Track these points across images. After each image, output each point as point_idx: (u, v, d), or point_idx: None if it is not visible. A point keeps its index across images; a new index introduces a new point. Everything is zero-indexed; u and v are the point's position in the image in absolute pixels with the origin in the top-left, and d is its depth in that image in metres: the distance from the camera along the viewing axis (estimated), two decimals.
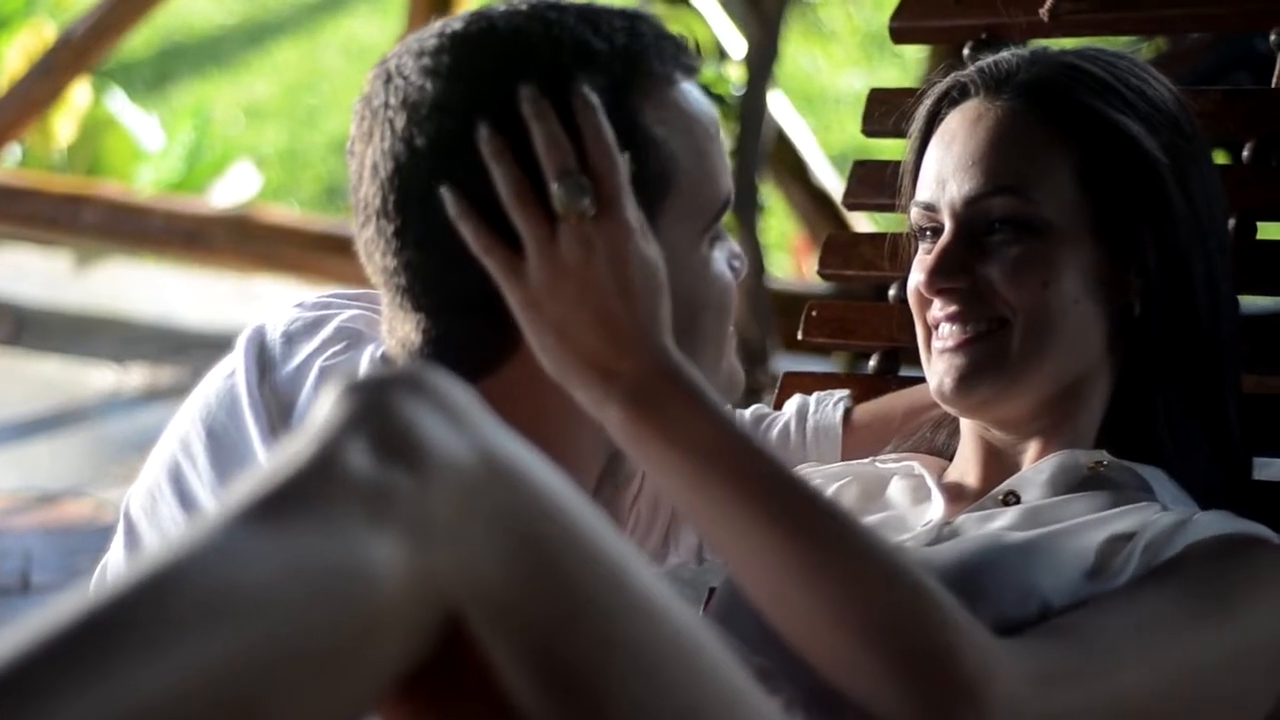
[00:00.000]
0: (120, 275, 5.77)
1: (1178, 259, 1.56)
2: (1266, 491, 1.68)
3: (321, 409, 1.13)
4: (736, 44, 4.16)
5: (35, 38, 5.94)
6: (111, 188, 5.49)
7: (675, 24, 4.06)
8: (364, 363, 1.50)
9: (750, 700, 1.22)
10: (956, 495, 1.60)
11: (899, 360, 1.90)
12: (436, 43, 1.41)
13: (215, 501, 1.45)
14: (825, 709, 1.35)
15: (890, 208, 1.74)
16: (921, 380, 1.65)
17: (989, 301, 1.55)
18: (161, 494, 1.54)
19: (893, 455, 1.68)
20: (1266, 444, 1.70)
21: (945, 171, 1.59)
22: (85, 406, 4.80)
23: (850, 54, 7.81)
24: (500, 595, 1.12)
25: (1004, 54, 1.63)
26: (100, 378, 5.02)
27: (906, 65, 6.68)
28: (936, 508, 1.56)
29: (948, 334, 1.57)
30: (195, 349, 4.95)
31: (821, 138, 5.78)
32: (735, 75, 4.04)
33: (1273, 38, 1.85)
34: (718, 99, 3.92)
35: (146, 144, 6.18)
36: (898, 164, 1.71)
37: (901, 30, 2.02)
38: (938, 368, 1.57)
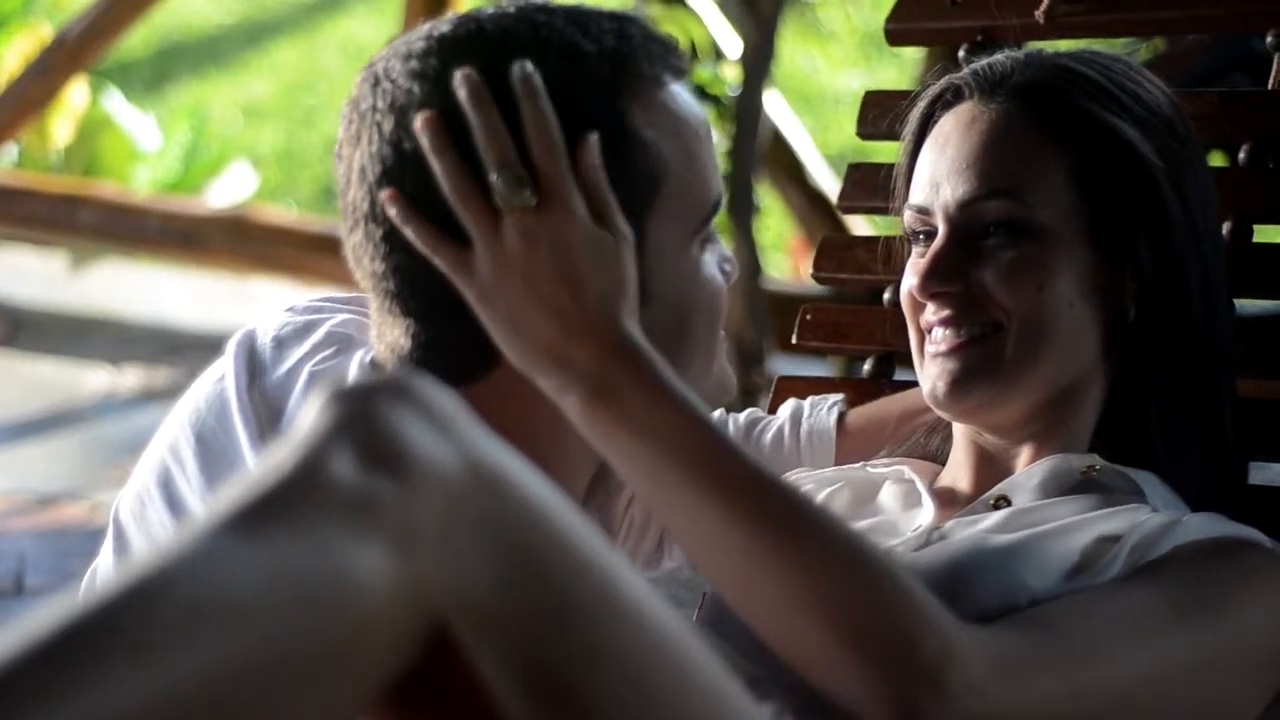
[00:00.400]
0: (116, 276, 5.77)
1: (1172, 263, 1.55)
2: (1261, 496, 1.67)
3: (307, 417, 1.13)
4: (733, 44, 4.16)
5: (31, 38, 5.94)
6: (107, 188, 5.49)
7: (671, 24, 4.07)
8: (353, 368, 1.49)
9: (738, 708, 1.21)
10: (948, 500, 1.60)
11: (893, 364, 1.89)
12: (424, 45, 1.40)
13: (204, 507, 1.44)
14: (814, 715, 1.35)
15: (885, 211, 1.73)
16: (916, 384, 1.64)
17: (983, 306, 1.55)
18: (150, 499, 1.53)
19: (884, 460, 1.68)
20: (1262, 448, 1.69)
21: (939, 174, 1.58)
22: (80, 408, 4.79)
23: (849, 54, 7.82)
24: (486, 603, 1.11)
25: (998, 56, 1.62)
26: (95, 379, 5.01)
27: (904, 65, 6.68)
28: (927, 513, 1.56)
29: (941, 338, 1.56)
30: (191, 350, 4.95)
31: (820, 138, 5.78)
32: (731, 76, 4.03)
33: (1269, 39, 1.84)
34: (714, 100, 3.92)
35: (143, 144, 6.18)
36: (892, 167, 1.70)
37: (897, 32, 2.02)
38: (931, 372, 1.57)
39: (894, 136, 1.70)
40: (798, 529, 1.30)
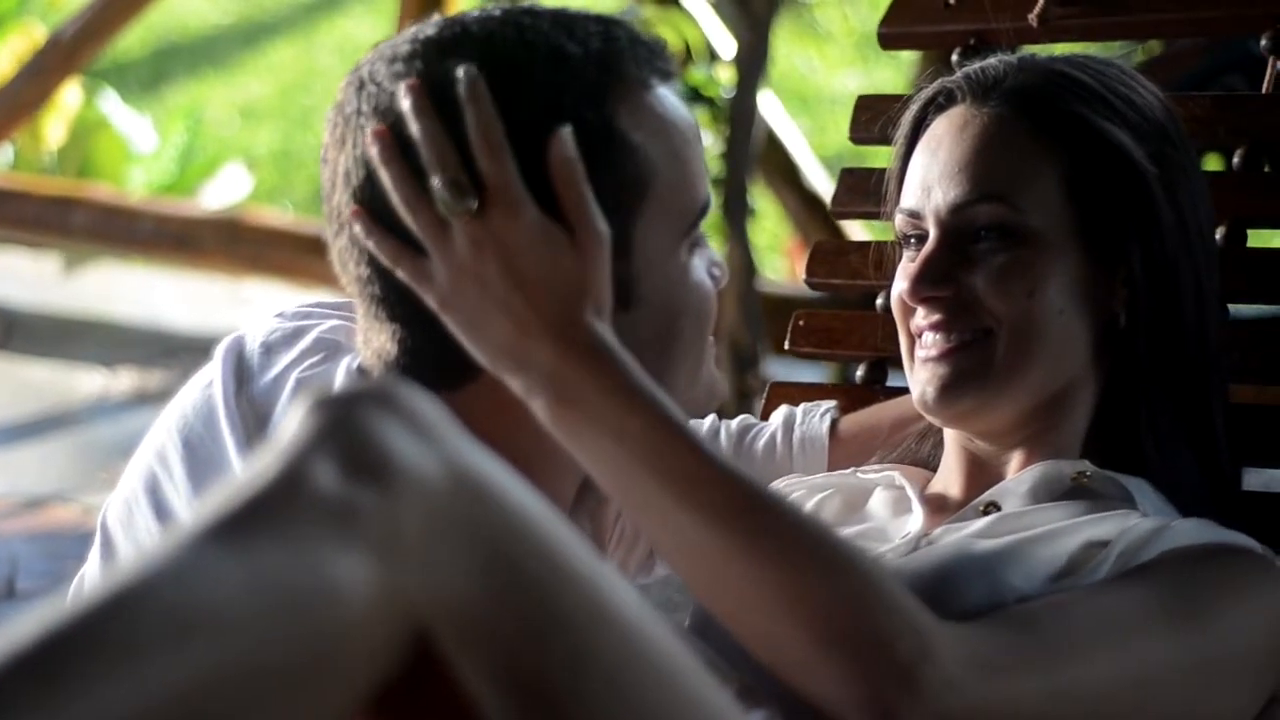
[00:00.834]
0: (109, 278, 5.77)
1: (1165, 269, 1.55)
2: (1255, 502, 1.66)
3: (289, 425, 1.12)
4: (727, 46, 4.15)
5: (25, 39, 5.93)
6: (101, 190, 5.49)
7: (665, 26, 4.06)
8: (340, 374, 1.49)
9: (725, 717, 1.21)
10: (939, 506, 1.59)
11: (886, 370, 1.88)
12: (409, 49, 1.39)
13: (189, 514, 1.44)
14: None
15: (878, 216, 1.73)
16: (909, 390, 1.63)
17: (973, 311, 1.54)
18: (138, 505, 1.53)
19: (875, 466, 1.67)
20: (1257, 454, 1.68)
21: (931, 178, 1.57)
22: (73, 410, 4.79)
23: (846, 55, 7.82)
24: (470, 612, 1.11)
25: (991, 60, 1.62)
26: (88, 381, 5.01)
27: (901, 66, 6.67)
28: (916, 520, 1.55)
29: (931, 343, 1.56)
30: (184, 353, 4.94)
31: (817, 139, 5.78)
32: (725, 77, 4.02)
33: (1264, 42, 1.83)
34: (708, 101, 3.91)
35: (138, 145, 6.18)
36: (884, 171, 1.70)
37: (890, 36, 2.01)
38: (920, 377, 1.56)
39: (886, 141, 1.70)
40: (769, 529, 1.29)
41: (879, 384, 1.88)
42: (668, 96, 1.43)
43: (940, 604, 1.32)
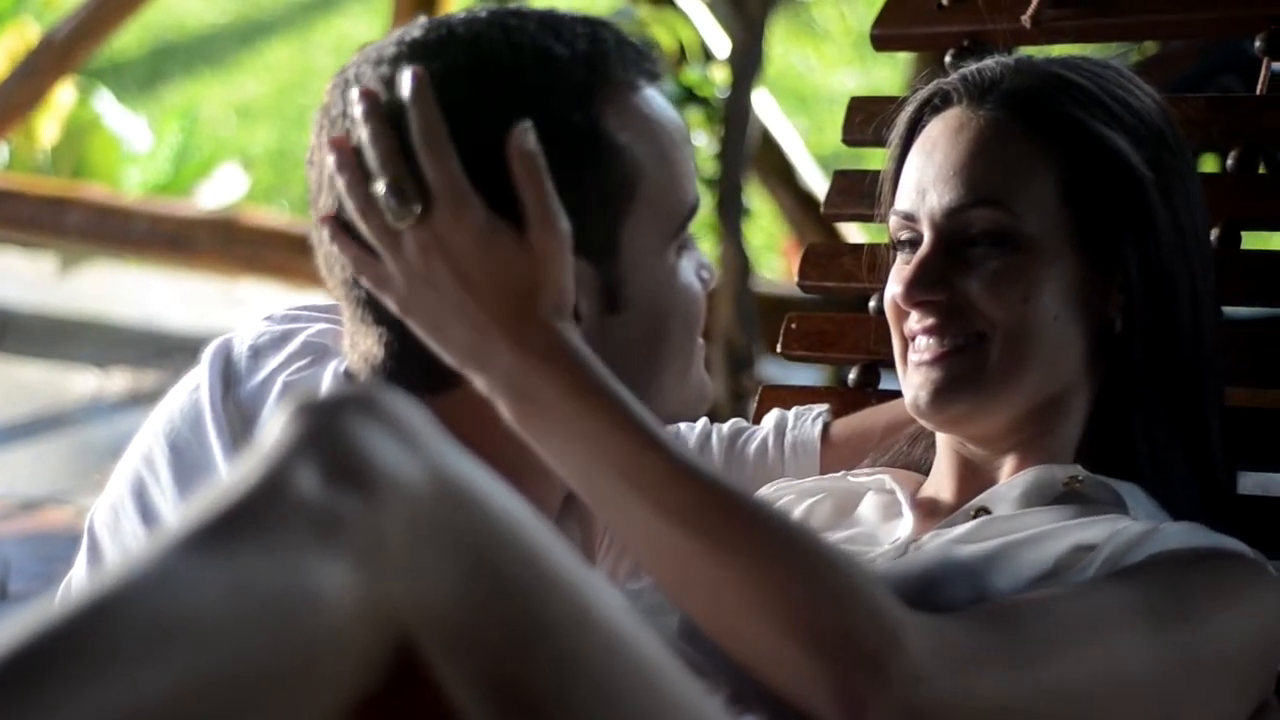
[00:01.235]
0: (104, 279, 5.76)
1: (1161, 275, 1.54)
2: (1249, 506, 1.65)
3: (272, 431, 1.12)
4: (722, 45, 4.14)
5: (19, 39, 5.92)
6: (95, 190, 5.49)
7: (659, 26, 4.05)
8: (327, 378, 1.48)
9: None
10: (930, 511, 1.58)
11: (879, 373, 1.87)
12: (395, 51, 1.39)
13: (172, 519, 1.43)
14: None
15: (871, 218, 1.72)
16: (902, 394, 1.62)
17: (967, 315, 1.53)
18: (124, 509, 1.53)
19: (866, 470, 1.66)
20: (1251, 457, 1.67)
21: (926, 181, 1.56)
22: (67, 412, 4.79)
23: (843, 53, 7.82)
24: (454, 619, 1.11)
25: (988, 62, 1.61)
26: (83, 382, 5.01)
27: (899, 65, 6.66)
28: (906, 525, 1.55)
29: (924, 347, 1.55)
30: (179, 353, 4.93)
31: (814, 138, 5.77)
32: (720, 77, 4.01)
33: (1258, 43, 1.83)
34: (703, 101, 3.90)
35: (133, 145, 6.18)
36: (878, 174, 1.69)
37: (883, 37, 2.01)
38: (913, 381, 1.55)
39: (879, 143, 1.69)
40: (734, 527, 1.29)
41: (871, 387, 1.88)
42: (655, 97, 1.43)
43: (926, 607, 1.32)
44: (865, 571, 1.29)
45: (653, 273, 1.41)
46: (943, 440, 1.61)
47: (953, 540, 1.49)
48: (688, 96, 3.88)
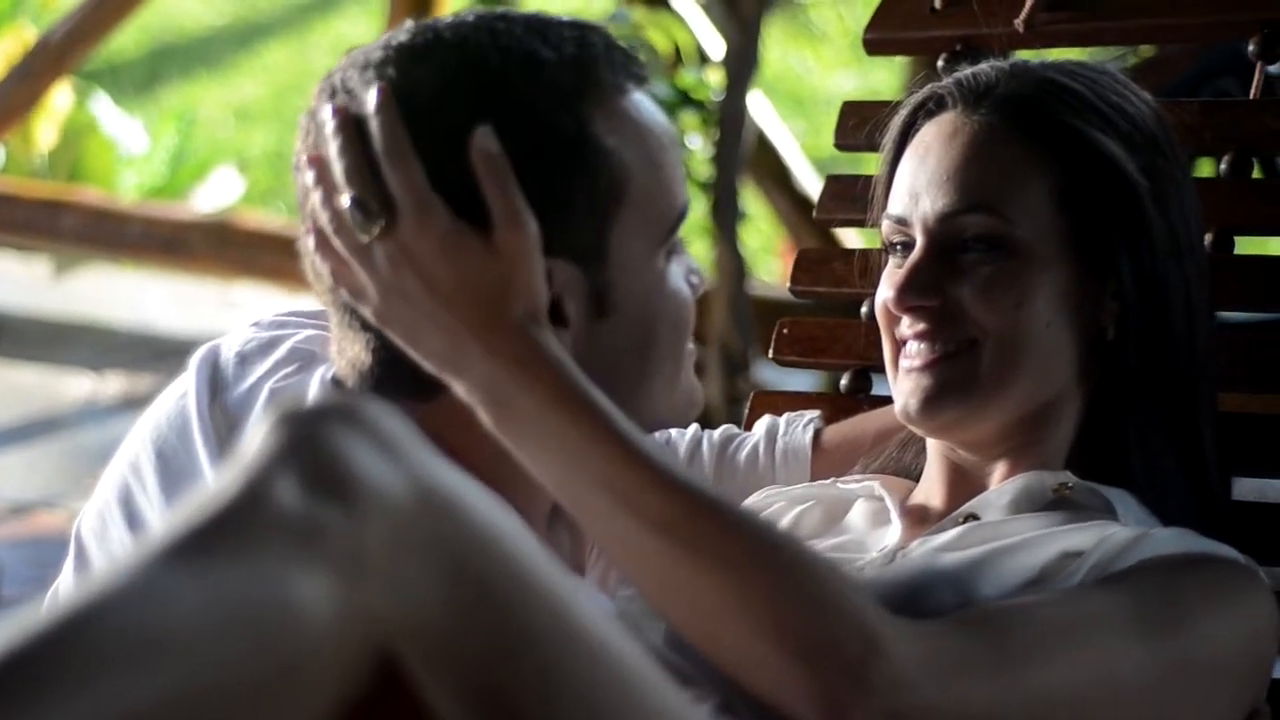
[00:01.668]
0: (99, 282, 5.76)
1: (1154, 283, 1.53)
2: (1245, 511, 1.64)
3: (253, 441, 1.11)
4: (718, 48, 4.14)
5: (14, 41, 5.92)
6: (90, 194, 5.49)
7: (655, 28, 4.03)
8: (314, 385, 1.48)
9: None
10: (920, 518, 1.58)
11: (871, 379, 1.86)
12: (381, 55, 1.38)
13: (153, 530, 1.43)
14: None
15: (863, 223, 1.71)
16: (893, 400, 1.62)
17: (959, 321, 1.52)
18: (111, 516, 1.52)
19: (856, 476, 1.65)
20: (1245, 463, 1.66)
21: (919, 185, 1.56)
22: (61, 415, 4.78)
23: (841, 55, 7.82)
24: (437, 631, 1.10)
25: (983, 66, 1.60)
26: (77, 386, 5.00)
27: (897, 68, 6.67)
28: (894, 533, 1.54)
29: (915, 353, 1.54)
30: (173, 357, 4.92)
31: (812, 140, 5.76)
32: (716, 80, 4.00)
33: (1251, 47, 1.82)
34: (698, 104, 3.89)
35: (129, 148, 6.18)
36: (869, 179, 1.68)
37: (875, 42, 2.00)
38: (904, 387, 1.55)
39: (873, 147, 1.68)
40: (713, 535, 1.28)
41: (863, 393, 1.87)
42: (643, 102, 1.42)
43: (912, 613, 1.31)
44: (848, 579, 1.28)
45: (641, 277, 1.41)
46: (933, 446, 1.60)
47: (939, 547, 1.48)
48: (683, 99, 3.87)
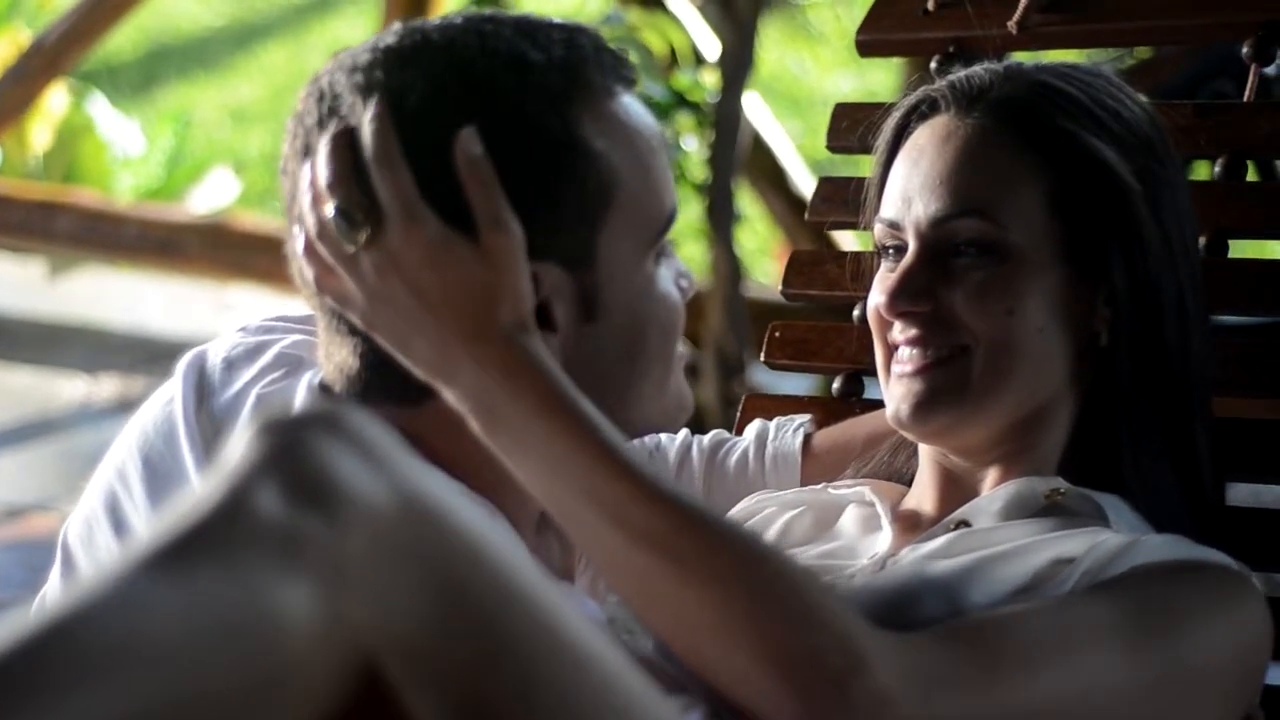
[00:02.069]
0: (94, 284, 5.76)
1: (1148, 288, 1.52)
2: (1240, 517, 1.64)
3: (234, 450, 1.10)
4: (713, 49, 4.13)
5: (9, 43, 5.91)
6: (85, 195, 5.49)
7: (651, 30, 4.02)
8: (301, 390, 1.47)
9: None
10: (912, 524, 1.57)
11: (863, 383, 1.86)
12: (369, 58, 1.38)
13: (134, 540, 1.42)
14: None
15: (855, 226, 1.70)
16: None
17: (951, 327, 1.52)
18: (98, 523, 1.52)
19: (848, 481, 1.65)
20: (1237, 467, 1.65)
21: (911, 189, 1.55)
22: (55, 418, 4.78)
23: (838, 56, 7.81)
24: (419, 640, 1.10)
25: (977, 69, 1.59)
26: (71, 388, 5.00)
27: (894, 69, 6.66)
28: (885, 539, 1.53)
29: (907, 358, 1.53)
30: (168, 359, 4.91)
31: (810, 141, 5.76)
32: (711, 81, 4.00)
33: (1245, 50, 1.81)
34: (693, 106, 3.88)
35: (125, 149, 6.17)
36: (862, 181, 1.67)
37: (868, 43, 1.99)
38: (895, 392, 1.54)
39: (865, 150, 1.67)
40: (698, 550, 1.27)
41: (856, 397, 1.86)
42: (632, 104, 1.41)
43: (902, 622, 1.31)
44: (832, 593, 1.28)
45: (630, 281, 1.40)
46: (925, 452, 1.59)
47: (929, 555, 1.47)
48: (678, 101, 3.87)
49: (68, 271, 5.79)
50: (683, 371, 1.49)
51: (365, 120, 1.33)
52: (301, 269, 1.39)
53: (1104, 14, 1.88)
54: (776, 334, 1.91)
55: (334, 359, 1.42)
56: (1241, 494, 1.66)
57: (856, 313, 1.84)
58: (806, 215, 1.98)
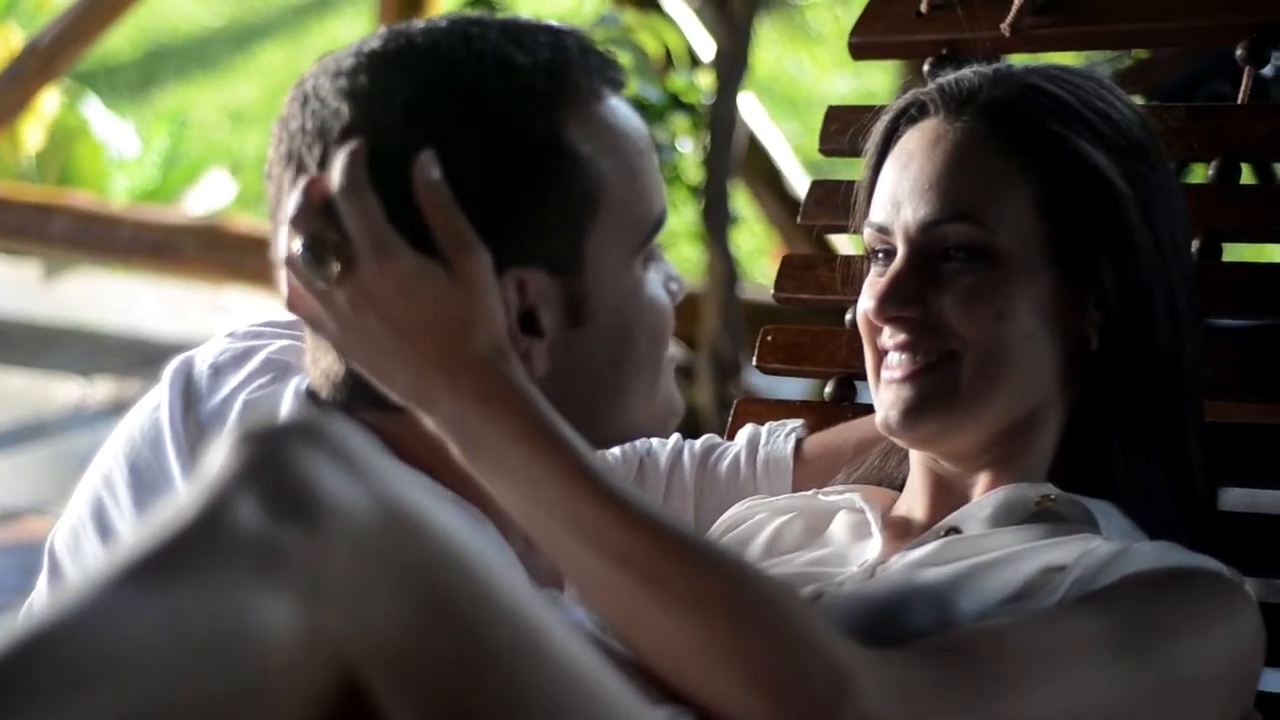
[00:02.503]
0: (89, 286, 5.76)
1: (1138, 292, 1.51)
2: (1235, 522, 1.63)
3: (214, 460, 1.10)
4: (709, 51, 4.13)
5: (3, 45, 5.91)
6: (80, 197, 5.49)
7: (646, 31, 4.01)
8: (288, 396, 1.47)
9: None
10: (902, 530, 1.56)
11: (855, 387, 1.85)
12: (353, 62, 1.37)
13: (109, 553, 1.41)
14: None
15: (846, 229, 1.69)
16: None
17: (940, 332, 1.51)
18: (85, 531, 1.51)
19: (837, 487, 1.64)
20: (1231, 472, 1.64)
21: (901, 193, 1.54)
22: (49, 421, 4.77)
23: (837, 57, 7.81)
24: (401, 651, 1.09)
25: (966, 71, 1.58)
26: (66, 391, 4.99)
27: (892, 70, 6.65)
28: (875, 546, 1.52)
29: (896, 364, 1.52)
30: (163, 362, 4.91)
31: (808, 142, 5.74)
32: (707, 83, 3.99)
33: (1239, 52, 1.80)
34: (688, 107, 3.88)
35: (120, 151, 6.17)
36: (853, 184, 1.66)
37: (861, 46, 1.98)
38: (885, 399, 1.53)
39: (855, 152, 1.66)
40: (680, 575, 1.26)
41: (848, 401, 1.85)
42: (619, 107, 1.40)
43: (891, 631, 1.30)
44: (817, 614, 1.28)
45: (618, 285, 1.39)
46: (915, 457, 1.59)
47: (920, 562, 1.46)
48: (674, 102, 3.86)
49: (62, 273, 5.78)
50: (673, 376, 1.48)
51: (336, 158, 1.32)
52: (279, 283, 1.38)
53: (1097, 16, 1.87)
54: (768, 338, 1.90)
55: (320, 365, 1.41)
56: (1235, 499, 1.65)
57: (848, 317, 1.83)
58: (799, 219, 1.97)
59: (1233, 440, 1.65)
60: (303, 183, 1.34)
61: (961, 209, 1.51)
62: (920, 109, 1.57)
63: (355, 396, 1.39)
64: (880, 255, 1.56)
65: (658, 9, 4.18)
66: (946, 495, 1.55)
